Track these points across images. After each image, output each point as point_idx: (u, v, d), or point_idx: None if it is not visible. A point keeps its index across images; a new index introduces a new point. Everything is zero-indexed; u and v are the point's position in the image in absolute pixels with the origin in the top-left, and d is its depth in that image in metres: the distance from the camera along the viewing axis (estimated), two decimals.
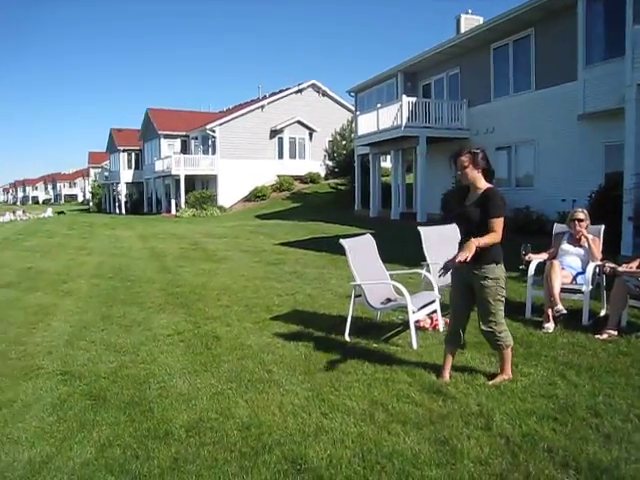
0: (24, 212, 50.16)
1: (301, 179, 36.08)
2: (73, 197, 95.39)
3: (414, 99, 19.55)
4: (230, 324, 6.89)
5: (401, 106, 19.05)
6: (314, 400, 4.33)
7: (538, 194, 15.98)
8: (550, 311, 6.01)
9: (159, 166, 37.76)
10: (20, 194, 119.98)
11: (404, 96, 19.35)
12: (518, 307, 6.68)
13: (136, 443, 3.81)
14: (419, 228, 6.83)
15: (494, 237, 4.22)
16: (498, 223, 4.23)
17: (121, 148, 47.07)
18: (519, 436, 3.59)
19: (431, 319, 6.27)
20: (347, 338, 5.88)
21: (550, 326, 5.95)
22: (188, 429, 3.96)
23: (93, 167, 69.00)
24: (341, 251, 5.98)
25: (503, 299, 4.45)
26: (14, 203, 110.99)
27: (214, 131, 35.40)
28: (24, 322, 7.86)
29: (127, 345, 6.24)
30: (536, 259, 6.49)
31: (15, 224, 36.94)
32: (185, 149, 39.99)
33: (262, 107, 36.76)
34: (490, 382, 4.49)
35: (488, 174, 4.40)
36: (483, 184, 4.37)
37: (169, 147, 39.78)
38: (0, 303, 9.44)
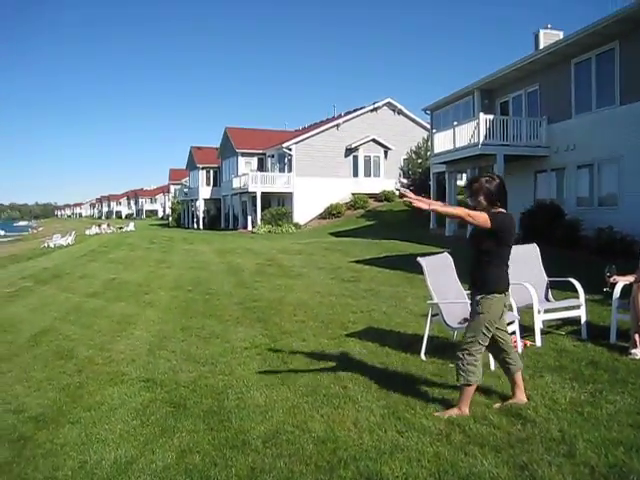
0: (108, 225, 52.65)
1: (376, 197, 35.97)
2: (154, 212, 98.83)
3: (491, 116, 19.19)
4: (306, 339, 6.97)
5: (478, 124, 18.75)
6: (390, 418, 4.31)
7: (623, 213, 15.24)
8: (637, 336, 5.73)
9: (236, 183, 38.60)
10: (105, 209, 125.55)
11: (481, 114, 19.05)
12: (602, 331, 6.41)
13: (215, 451, 3.92)
14: None
15: (463, 211, 4.16)
16: (480, 214, 4.13)
17: (200, 165, 48.51)
18: (605, 466, 3.42)
19: None
20: (423, 357, 5.83)
21: (638, 352, 5.66)
22: (265, 440, 4.04)
23: (173, 184, 71.29)
24: (417, 269, 5.95)
25: (486, 337, 4.30)
26: (99, 217, 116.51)
27: (290, 149, 35.93)
28: (109, 330, 8.28)
29: (206, 356, 6.44)
30: (622, 281, 6.20)
31: (100, 237, 38.83)
32: (262, 167, 40.73)
33: (337, 126, 37.02)
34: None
35: (502, 201, 4.30)
36: (496, 210, 4.26)
37: (246, 165, 40.63)
38: (87, 311, 9.98)
